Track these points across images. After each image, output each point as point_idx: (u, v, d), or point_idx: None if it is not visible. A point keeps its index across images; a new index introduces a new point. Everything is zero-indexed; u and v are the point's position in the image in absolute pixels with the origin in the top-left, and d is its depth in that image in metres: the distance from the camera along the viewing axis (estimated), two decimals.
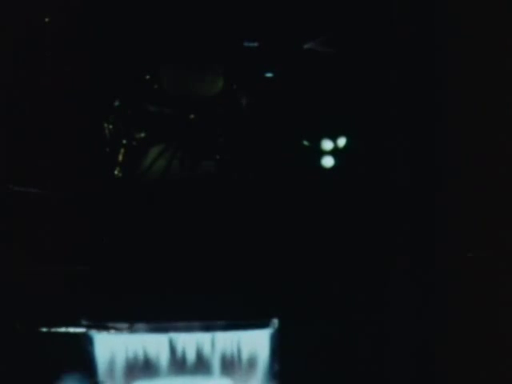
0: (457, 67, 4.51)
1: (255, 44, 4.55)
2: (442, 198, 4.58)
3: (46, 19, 4.36)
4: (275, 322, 4.49)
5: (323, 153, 4.63)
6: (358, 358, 4.55)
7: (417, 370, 4.57)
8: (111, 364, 4.40)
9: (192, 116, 4.53)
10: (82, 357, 4.37)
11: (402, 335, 4.58)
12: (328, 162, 4.63)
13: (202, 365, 4.43)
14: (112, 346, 4.41)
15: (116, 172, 4.48)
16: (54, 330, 4.30)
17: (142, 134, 4.51)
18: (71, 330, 4.33)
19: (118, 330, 4.39)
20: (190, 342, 4.43)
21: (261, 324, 4.49)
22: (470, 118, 4.49)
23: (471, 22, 4.44)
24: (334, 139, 4.63)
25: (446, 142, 4.58)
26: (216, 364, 4.43)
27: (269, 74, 4.63)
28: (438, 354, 4.52)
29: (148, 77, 4.52)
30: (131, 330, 4.39)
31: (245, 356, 4.46)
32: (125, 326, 4.39)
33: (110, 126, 4.48)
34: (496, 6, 4.42)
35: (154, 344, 4.42)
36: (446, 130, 4.58)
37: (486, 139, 4.47)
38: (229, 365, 4.45)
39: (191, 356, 4.43)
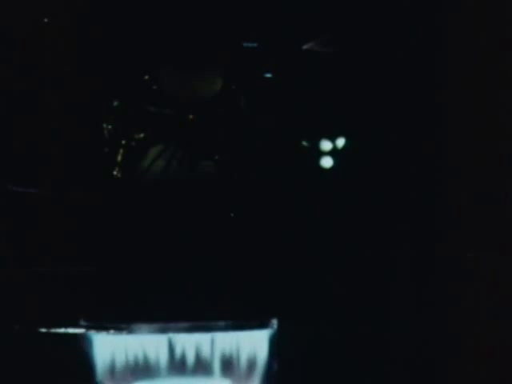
0: (458, 67, 4.51)
1: (254, 44, 4.56)
2: (442, 198, 4.57)
3: (46, 19, 4.37)
4: (274, 322, 4.49)
5: (322, 153, 4.63)
6: (358, 358, 4.54)
7: (417, 370, 4.56)
8: (110, 365, 4.39)
9: (191, 116, 4.54)
10: (80, 357, 4.37)
11: (402, 335, 4.58)
12: (327, 162, 4.64)
13: (201, 365, 4.42)
14: (111, 347, 4.40)
15: (115, 172, 4.48)
16: (52, 330, 4.30)
17: (141, 135, 4.51)
18: (70, 330, 4.33)
19: (116, 330, 4.38)
20: (189, 342, 4.42)
21: (260, 324, 4.48)
22: (471, 118, 4.49)
23: (473, 21, 4.44)
24: (332, 140, 4.63)
25: (446, 142, 4.58)
26: (215, 364, 4.43)
27: (268, 75, 4.64)
28: (438, 354, 4.51)
29: (147, 77, 4.53)
30: (130, 330, 4.39)
31: (244, 356, 4.45)
32: (124, 326, 4.38)
33: (109, 127, 4.49)
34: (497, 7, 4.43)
35: (153, 344, 4.41)
36: (447, 130, 4.58)
37: (486, 139, 4.47)
38: (228, 365, 4.44)
39: (190, 356, 4.42)
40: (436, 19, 4.57)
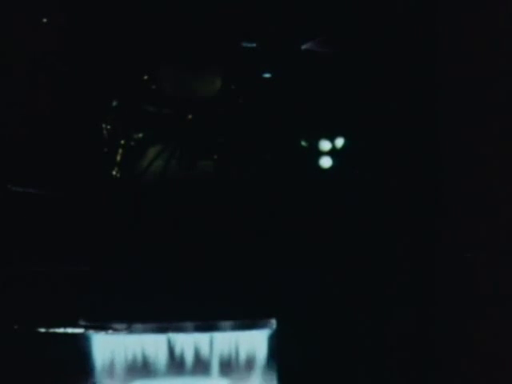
0: (458, 67, 4.50)
1: (253, 44, 4.56)
2: (441, 198, 4.57)
3: (45, 19, 4.38)
4: (273, 322, 4.49)
5: (321, 153, 4.63)
6: (357, 358, 4.54)
7: (416, 370, 4.55)
8: (109, 364, 4.41)
9: (190, 116, 4.54)
10: (80, 357, 4.38)
11: (402, 335, 4.57)
12: (326, 162, 4.63)
13: (200, 365, 4.44)
14: (110, 347, 4.41)
15: (114, 172, 4.49)
16: (52, 330, 4.31)
17: (140, 134, 4.52)
18: (69, 330, 4.34)
19: (116, 330, 4.39)
20: (188, 342, 4.43)
21: (259, 324, 4.49)
22: (471, 118, 4.47)
23: (473, 22, 4.43)
24: (331, 140, 4.63)
25: (445, 142, 4.57)
26: (214, 364, 4.43)
27: (267, 75, 4.64)
28: (439, 354, 4.51)
29: (146, 77, 4.53)
30: (129, 330, 4.39)
31: (243, 356, 4.46)
32: (123, 326, 4.39)
33: (108, 126, 4.49)
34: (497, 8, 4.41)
35: (152, 344, 4.42)
36: (446, 130, 4.57)
37: (486, 139, 4.45)
38: (227, 365, 4.45)
39: (189, 356, 4.43)
40: (435, 19, 4.56)
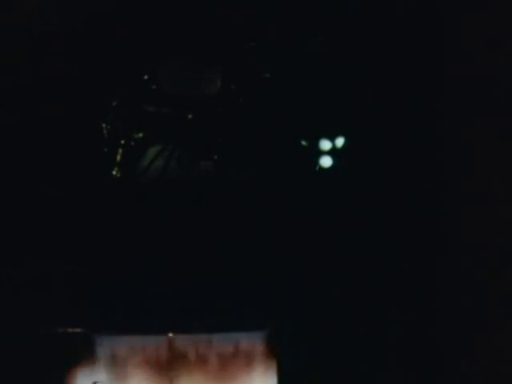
0: (459, 67, 4.51)
1: (253, 44, 4.56)
2: (441, 198, 4.57)
3: (45, 19, 4.38)
4: (273, 322, 4.49)
5: (321, 153, 4.63)
6: (358, 359, 4.54)
7: (418, 370, 4.56)
8: (110, 364, 4.41)
9: (190, 116, 4.54)
10: (80, 357, 4.38)
11: (402, 335, 4.57)
12: (326, 162, 4.63)
13: (200, 365, 4.43)
14: (111, 347, 4.42)
15: (114, 172, 4.49)
16: (53, 330, 4.31)
17: (140, 134, 4.52)
18: (69, 330, 4.34)
19: (116, 330, 4.40)
20: (188, 342, 4.43)
21: (259, 325, 4.49)
22: (471, 118, 4.48)
23: (473, 22, 4.44)
24: (332, 139, 4.63)
25: (445, 143, 4.58)
26: (214, 364, 4.43)
27: (267, 74, 4.63)
28: (439, 354, 4.51)
29: (146, 76, 4.53)
30: (129, 330, 4.40)
31: (242, 357, 4.46)
32: (124, 326, 4.40)
33: (108, 126, 4.49)
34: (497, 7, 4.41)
35: (152, 344, 4.42)
36: (447, 130, 4.57)
37: (486, 139, 4.45)
38: (227, 365, 4.45)
39: (190, 356, 4.43)
40: (436, 19, 4.57)
